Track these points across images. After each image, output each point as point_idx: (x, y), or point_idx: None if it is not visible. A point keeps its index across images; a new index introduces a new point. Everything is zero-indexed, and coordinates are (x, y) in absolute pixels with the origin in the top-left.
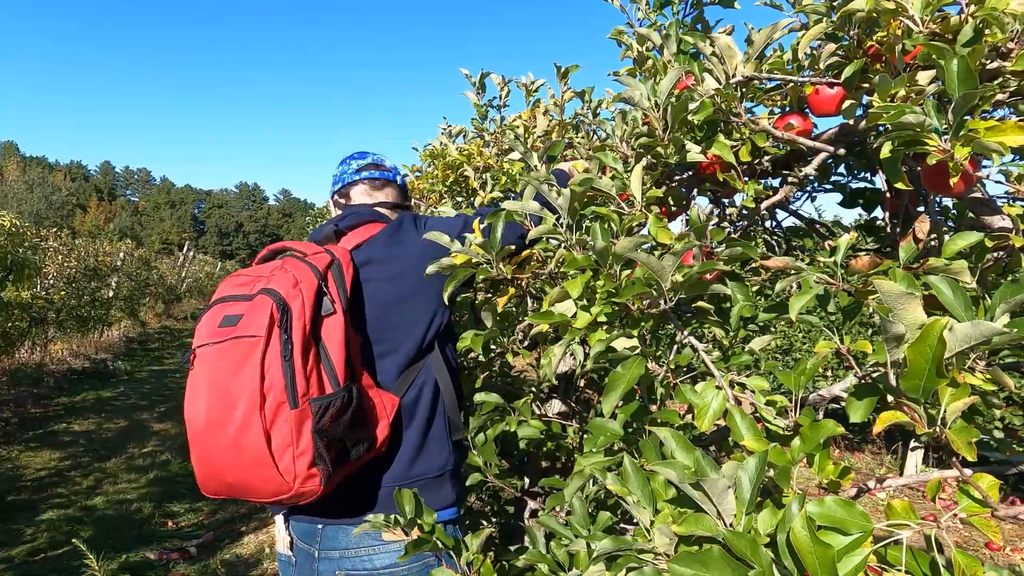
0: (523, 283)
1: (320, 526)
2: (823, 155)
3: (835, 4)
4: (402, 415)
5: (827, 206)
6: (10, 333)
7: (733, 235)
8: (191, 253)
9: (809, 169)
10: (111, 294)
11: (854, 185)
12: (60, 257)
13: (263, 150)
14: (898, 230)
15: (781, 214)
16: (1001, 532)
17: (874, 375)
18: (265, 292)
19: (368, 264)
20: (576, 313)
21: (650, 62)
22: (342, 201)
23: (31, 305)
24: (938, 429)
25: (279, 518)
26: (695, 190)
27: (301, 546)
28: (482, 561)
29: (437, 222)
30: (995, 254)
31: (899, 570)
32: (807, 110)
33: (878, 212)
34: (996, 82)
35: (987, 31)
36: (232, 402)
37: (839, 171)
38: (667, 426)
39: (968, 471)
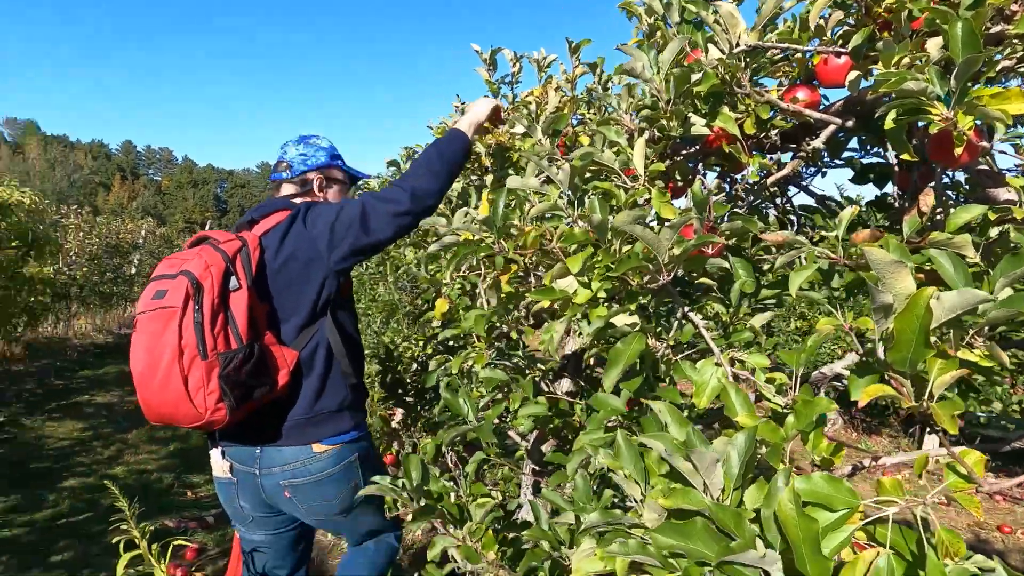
0: (526, 260)
1: (258, 450)
2: (832, 128)
3: None
4: (302, 365)
5: (847, 183)
6: (34, 308)
7: (740, 211)
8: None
9: (818, 142)
10: (133, 271)
11: (866, 160)
12: (81, 234)
13: (284, 130)
14: (906, 204)
15: (793, 190)
16: (1015, 514)
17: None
18: (183, 273)
19: (268, 249)
20: (576, 290)
21: (659, 34)
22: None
23: (53, 281)
24: (925, 403)
25: (215, 451)
26: (701, 164)
27: (241, 468)
28: (484, 531)
29: (323, 209)
30: (1001, 228)
31: (884, 546)
32: (815, 82)
33: (890, 187)
34: (1001, 46)
35: None
36: (159, 355)
37: (851, 146)
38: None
39: (962, 448)
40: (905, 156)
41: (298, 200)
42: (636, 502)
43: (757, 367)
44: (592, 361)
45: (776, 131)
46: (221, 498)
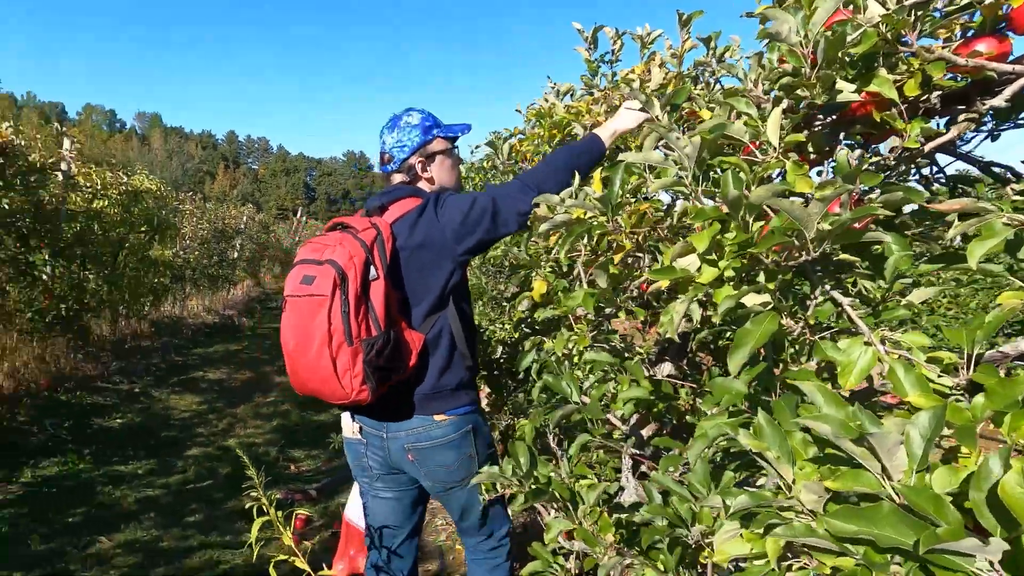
0: (639, 239)
1: (385, 421)
2: (1021, 82)
3: None
4: (427, 347)
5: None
6: (157, 288)
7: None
8: (304, 218)
9: (998, 100)
10: (235, 255)
11: None
12: (195, 220)
13: (368, 120)
14: None
15: (944, 159)
16: None
17: None
18: (330, 263)
19: (399, 237)
20: (700, 268)
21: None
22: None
23: (172, 263)
24: None
25: (345, 414)
26: (841, 135)
27: (370, 431)
28: (599, 514)
29: (453, 201)
30: None
31: None
32: (1004, 29)
33: None
34: None
35: None
36: (310, 339)
37: None
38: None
39: None
40: None
41: (423, 187)
42: (786, 485)
43: (914, 346)
44: (695, 347)
45: (937, 93)
46: (350, 458)
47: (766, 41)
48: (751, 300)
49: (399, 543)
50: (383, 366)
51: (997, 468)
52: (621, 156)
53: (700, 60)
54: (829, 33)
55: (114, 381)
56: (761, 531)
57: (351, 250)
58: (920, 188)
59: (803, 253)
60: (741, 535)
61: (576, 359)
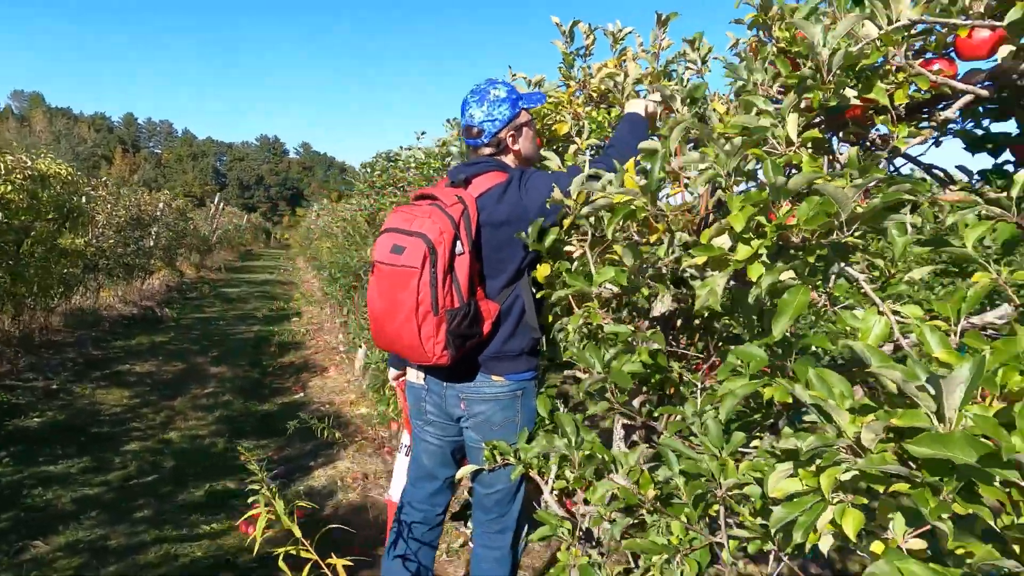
0: (669, 222)
1: (449, 379)
2: (968, 98)
3: None
4: (500, 316)
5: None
6: (67, 279)
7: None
8: (221, 205)
9: (949, 113)
10: (151, 243)
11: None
12: (109, 206)
13: (283, 103)
14: None
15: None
16: None
17: None
18: (420, 236)
19: (484, 211)
20: (735, 246)
21: (775, 8)
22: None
23: (85, 252)
24: None
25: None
26: (840, 134)
27: (433, 380)
28: (640, 472)
29: (538, 179)
30: None
31: None
32: (950, 54)
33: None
34: None
35: None
36: (399, 306)
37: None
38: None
39: None
40: None
41: (507, 161)
42: (840, 428)
43: (913, 316)
44: (679, 323)
45: (905, 104)
46: (409, 400)
47: (732, 46)
48: (784, 276)
49: (435, 489)
50: (463, 333)
51: None
52: (645, 145)
53: (673, 57)
54: (846, 45)
55: (25, 378)
56: (814, 469)
57: (441, 225)
58: (925, 180)
59: (837, 232)
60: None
61: (598, 333)
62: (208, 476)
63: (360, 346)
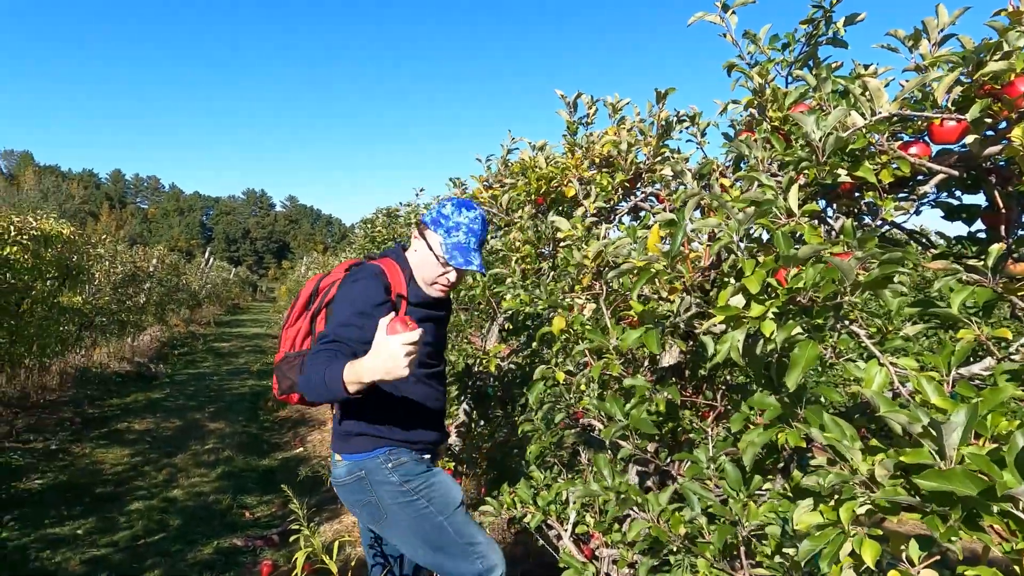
0: (688, 283)
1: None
2: (941, 176)
3: (965, 56)
4: None
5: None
6: (64, 337)
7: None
8: (211, 259)
9: (928, 187)
10: (143, 299)
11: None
12: (106, 263)
13: (270, 157)
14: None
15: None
16: None
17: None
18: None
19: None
20: (749, 305)
21: (768, 91)
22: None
23: (83, 310)
24: None
25: None
26: (834, 205)
27: None
28: (671, 513)
29: (342, 295)
30: None
31: None
32: (924, 139)
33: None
34: None
35: None
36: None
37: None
38: (819, 403)
39: None
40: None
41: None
42: (854, 467)
43: (908, 367)
44: (688, 374)
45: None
46: None
47: (722, 112)
48: (794, 331)
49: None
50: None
51: (1020, 441)
52: (659, 216)
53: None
54: (838, 132)
55: (25, 439)
56: (833, 504)
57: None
58: (912, 249)
59: (841, 296)
60: (816, 510)
61: (611, 384)
62: (215, 533)
63: None
